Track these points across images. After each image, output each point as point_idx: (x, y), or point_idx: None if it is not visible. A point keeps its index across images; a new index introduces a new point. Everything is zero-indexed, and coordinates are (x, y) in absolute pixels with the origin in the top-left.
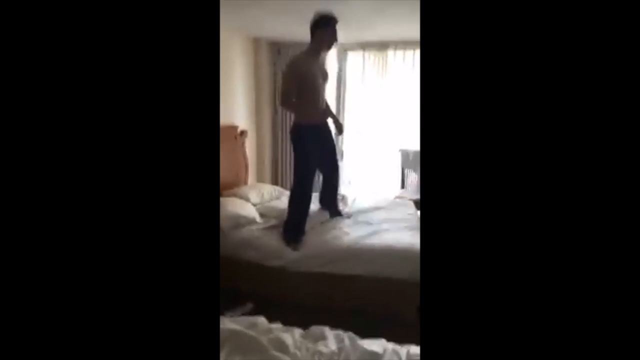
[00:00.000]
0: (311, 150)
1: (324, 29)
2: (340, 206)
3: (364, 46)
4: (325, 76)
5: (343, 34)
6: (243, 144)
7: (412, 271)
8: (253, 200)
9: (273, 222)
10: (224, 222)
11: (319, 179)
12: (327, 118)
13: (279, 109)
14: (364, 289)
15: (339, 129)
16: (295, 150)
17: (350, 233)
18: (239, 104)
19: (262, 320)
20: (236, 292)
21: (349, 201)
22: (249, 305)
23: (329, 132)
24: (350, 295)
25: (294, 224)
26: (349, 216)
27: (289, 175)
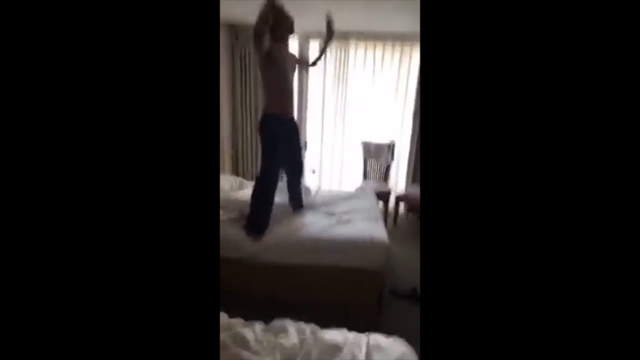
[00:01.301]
0: (278, 142)
1: (276, 18)
2: (304, 196)
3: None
4: (293, 67)
5: (304, 21)
6: None
7: (373, 261)
8: None
9: (233, 214)
10: None
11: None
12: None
13: (239, 93)
14: (326, 280)
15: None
16: (262, 141)
17: (312, 224)
18: None
19: (222, 316)
20: None
21: (312, 192)
22: None
23: (296, 127)
24: (312, 286)
25: (256, 217)
26: (312, 208)
27: (250, 165)
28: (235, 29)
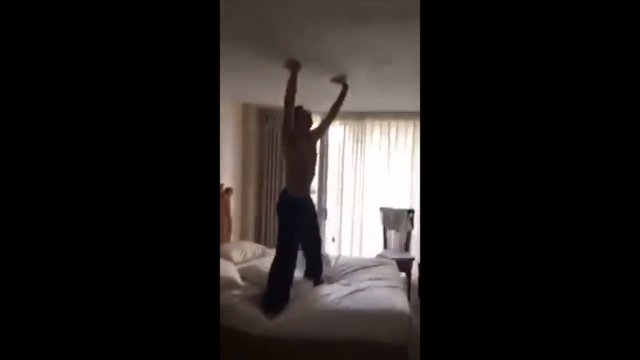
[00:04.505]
0: (294, 222)
1: (296, 115)
2: (323, 267)
3: (344, 116)
4: (314, 148)
5: (324, 105)
6: (228, 201)
7: (396, 334)
8: (235, 258)
9: (255, 289)
10: None
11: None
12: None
13: (266, 165)
14: (346, 355)
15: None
16: (279, 221)
17: (329, 295)
18: (226, 162)
19: None
20: None
21: (332, 261)
22: None
23: (312, 204)
24: None
25: (274, 295)
26: (330, 281)
27: (272, 233)
28: (265, 111)
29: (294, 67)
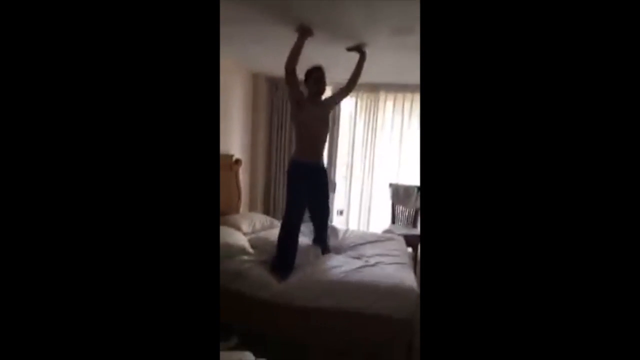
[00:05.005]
0: (301, 188)
1: (310, 79)
2: (331, 239)
3: (356, 87)
4: (325, 116)
5: (336, 74)
6: (237, 172)
7: (402, 308)
8: (245, 229)
9: (263, 256)
10: None
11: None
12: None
13: (275, 135)
14: (352, 325)
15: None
16: (287, 186)
17: (338, 267)
18: (235, 133)
19: (249, 355)
20: (222, 325)
21: (340, 234)
22: (234, 340)
23: (324, 172)
24: (337, 331)
25: (282, 260)
26: (338, 252)
27: (281, 205)
28: (275, 81)
29: (303, 32)
